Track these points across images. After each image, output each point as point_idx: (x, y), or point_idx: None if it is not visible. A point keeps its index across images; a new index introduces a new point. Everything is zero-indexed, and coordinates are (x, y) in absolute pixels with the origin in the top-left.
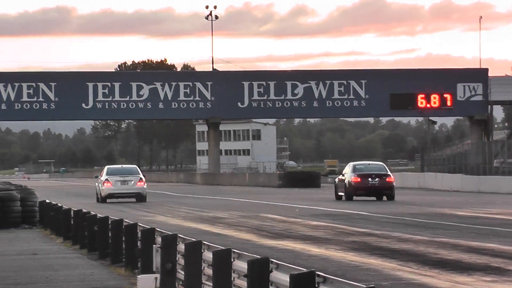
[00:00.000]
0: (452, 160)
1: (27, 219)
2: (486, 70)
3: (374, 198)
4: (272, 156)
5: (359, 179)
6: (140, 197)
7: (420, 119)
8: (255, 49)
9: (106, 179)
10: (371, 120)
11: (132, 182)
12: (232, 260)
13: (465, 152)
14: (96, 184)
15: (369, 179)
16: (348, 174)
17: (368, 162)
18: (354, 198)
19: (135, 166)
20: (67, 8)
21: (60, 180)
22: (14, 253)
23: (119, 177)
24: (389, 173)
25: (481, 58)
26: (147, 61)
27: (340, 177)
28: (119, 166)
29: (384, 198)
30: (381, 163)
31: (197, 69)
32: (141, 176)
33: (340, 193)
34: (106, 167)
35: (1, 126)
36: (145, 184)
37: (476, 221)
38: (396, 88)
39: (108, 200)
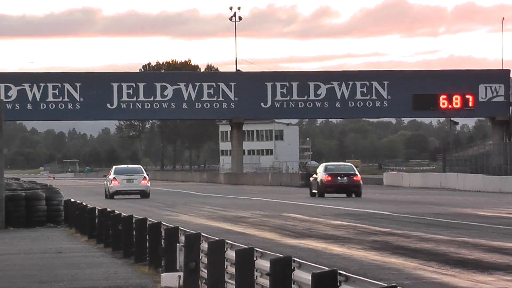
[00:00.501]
0: (474, 160)
1: (52, 218)
2: (508, 71)
3: (345, 195)
4: (295, 156)
5: (330, 178)
6: (144, 194)
7: (442, 119)
8: (279, 50)
9: (114, 178)
10: (393, 120)
11: (137, 181)
12: (255, 259)
13: (487, 153)
14: (105, 182)
15: (339, 178)
16: (320, 173)
17: (338, 163)
18: (326, 195)
19: (139, 166)
20: (92, 9)
21: (85, 179)
22: (39, 252)
23: (125, 176)
24: (356, 172)
25: (503, 60)
26: (171, 62)
27: (314, 176)
28: (125, 166)
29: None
30: (349, 164)
31: (221, 69)
32: (145, 175)
33: (314, 191)
34: (114, 167)
35: (27, 126)
36: (149, 182)
37: (498, 221)
38: (418, 89)
39: (115, 197)
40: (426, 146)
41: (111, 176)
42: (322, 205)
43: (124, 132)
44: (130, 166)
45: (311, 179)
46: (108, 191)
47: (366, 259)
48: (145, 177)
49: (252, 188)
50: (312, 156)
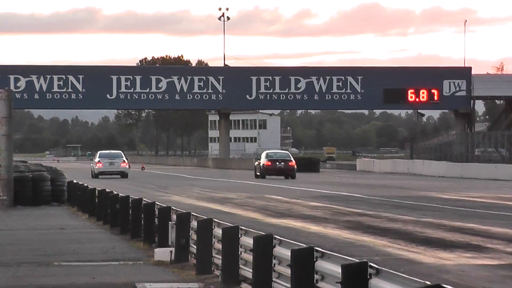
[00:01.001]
0: (438, 149)
1: (57, 197)
2: (470, 68)
3: (283, 177)
4: (277, 144)
5: (270, 163)
6: (123, 175)
7: (410, 111)
8: (263, 47)
9: (99, 161)
10: (366, 112)
11: (117, 164)
12: (240, 236)
13: (450, 142)
14: (91, 164)
15: (277, 163)
16: (262, 159)
17: (277, 151)
18: (267, 177)
19: (120, 151)
20: (94, 9)
21: (86, 162)
22: (44, 228)
23: (108, 159)
24: (291, 159)
25: (465, 58)
26: (165, 57)
27: (258, 161)
28: (108, 151)
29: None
30: (286, 151)
31: (210, 64)
32: (124, 159)
33: (257, 173)
34: (99, 152)
35: (34, 113)
36: (128, 165)
37: (459, 203)
38: (389, 84)
39: (100, 177)
40: (396, 136)
41: (96, 159)
42: (301, 188)
43: (122, 120)
44: (112, 151)
45: (256, 163)
46: (94, 171)
47: (340, 237)
48: (124, 161)
49: (238, 172)
50: (292, 144)
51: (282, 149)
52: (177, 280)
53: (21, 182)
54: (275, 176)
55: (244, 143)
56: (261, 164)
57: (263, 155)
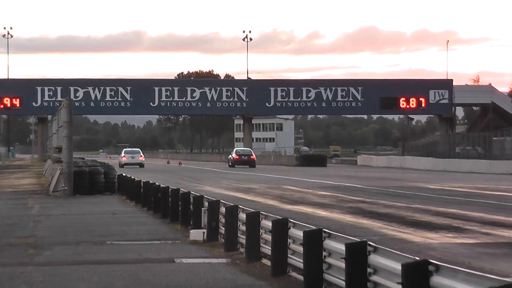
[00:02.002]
0: (425, 147)
1: (109, 188)
2: (451, 80)
3: (248, 166)
4: (291, 143)
5: (237, 157)
6: (141, 165)
7: (402, 116)
8: (280, 63)
9: (124, 155)
10: (365, 116)
11: (136, 157)
12: (260, 220)
13: (435, 142)
14: (119, 157)
15: (242, 156)
16: (233, 154)
17: (243, 148)
18: (236, 166)
19: (138, 149)
20: (140, 31)
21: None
22: (99, 213)
23: (130, 155)
24: (252, 154)
25: (447, 72)
26: (198, 72)
27: (230, 155)
28: (130, 149)
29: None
30: (249, 148)
31: (236, 78)
32: (141, 154)
33: (230, 164)
34: (124, 149)
35: (90, 118)
36: (144, 158)
37: (443, 192)
38: (384, 93)
39: (125, 167)
40: (390, 136)
41: (122, 154)
42: (310, 179)
43: (163, 124)
44: (133, 149)
45: (229, 157)
46: (120, 163)
47: (344, 220)
48: (141, 155)
49: (259, 166)
50: (304, 143)
51: (295, 148)
52: (208, 256)
53: (79, 175)
54: (241, 166)
55: (264, 143)
56: (231, 157)
57: (233, 151)
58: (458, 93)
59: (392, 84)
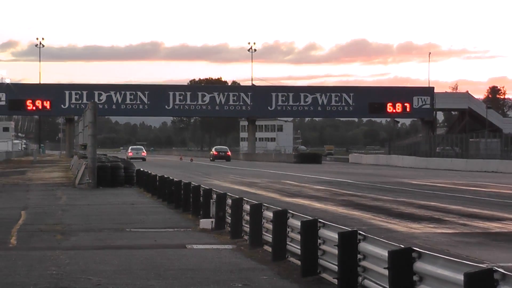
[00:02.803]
0: (409, 147)
1: (128, 181)
2: (433, 88)
3: (224, 160)
4: (290, 143)
5: (216, 153)
6: (143, 159)
7: (389, 119)
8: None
9: (130, 151)
10: (356, 119)
11: (140, 153)
12: (263, 211)
13: (418, 142)
14: (126, 153)
15: (220, 153)
16: (212, 151)
17: (221, 146)
18: (216, 160)
19: (141, 146)
20: (157, 42)
21: (150, 156)
22: (119, 203)
23: (135, 151)
24: (228, 151)
25: (429, 80)
26: (208, 78)
27: (211, 152)
28: (135, 146)
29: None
30: (225, 147)
31: (242, 84)
32: (144, 150)
33: (210, 159)
34: (130, 147)
35: (112, 119)
36: (146, 154)
37: (424, 187)
38: (373, 99)
39: (131, 161)
40: (378, 137)
41: (129, 150)
42: (307, 175)
43: (177, 125)
44: (137, 146)
45: (210, 153)
46: (127, 157)
47: (337, 212)
48: (144, 151)
49: (261, 163)
50: (302, 143)
51: (293, 147)
52: (216, 242)
53: (102, 170)
54: (219, 160)
55: (266, 142)
56: (211, 153)
57: (213, 148)
58: (439, 99)
59: (380, 91)
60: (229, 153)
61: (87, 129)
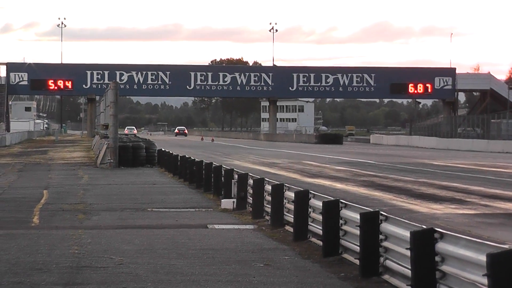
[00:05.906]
0: (430, 128)
1: (149, 161)
2: (454, 69)
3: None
4: (311, 123)
5: (178, 131)
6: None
7: (410, 100)
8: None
9: (126, 129)
10: (377, 100)
11: (133, 131)
12: (284, 191)
13: (439, 123)
14: (123, 131)
15: (180, 130)
16: (175, 130)
17: (180, 126)
18: (177, 136)
19: (133, 126)
20: (179, 23)
21: (171, 136)
22: (140, 183)
23: (129, 130)
24: (185, 129)
25: (451, 61)
26: (230, 59)
27: (176, 130)
28: (130, 126)
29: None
30: (183, 127)
31: (263, 65)
32: (135, 130)
33: (175, 135)
34: (126, 127)
35: (133, 99)
36: (136, 132)
37: (446, 168)
38: (394, 80)
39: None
40: (399, 118)
41: (125, 130)
42: (328, 155)
43: (198, 105)
44: (130, 126)
45: (175, 131)
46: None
47: (358, 192)
48: (135, 130)
49: (282, 144)
50: (322, 123)
51: (314, 127)
52: (237, 223)
53: (124, 149)
54: (180, 136)
55: (287, 123)
56: (175, 132)
57: (176, 129)
58: (460, 80)
59: (402, 72)
60: (186, 131)
61: (108, 109)
